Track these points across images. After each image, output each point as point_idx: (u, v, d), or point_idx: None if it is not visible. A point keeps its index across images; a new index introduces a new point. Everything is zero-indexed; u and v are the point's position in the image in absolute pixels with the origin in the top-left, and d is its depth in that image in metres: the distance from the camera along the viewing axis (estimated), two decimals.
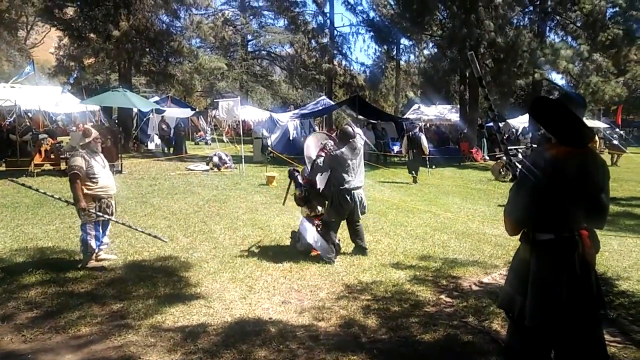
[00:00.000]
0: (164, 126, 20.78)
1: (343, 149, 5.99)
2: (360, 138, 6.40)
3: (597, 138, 19.41)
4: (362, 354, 3.64)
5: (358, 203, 6.09)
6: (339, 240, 6.34)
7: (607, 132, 24.61)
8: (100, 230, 5.61)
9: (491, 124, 29.62)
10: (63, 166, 13.20)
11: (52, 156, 13.67)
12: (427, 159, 14.92)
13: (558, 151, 2.60)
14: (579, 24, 20.66)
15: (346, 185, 5.94)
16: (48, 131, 15.92)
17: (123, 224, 5.94)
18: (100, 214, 5.49)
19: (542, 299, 2.60)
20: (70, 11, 22.06)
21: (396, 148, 20.43)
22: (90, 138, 5.61)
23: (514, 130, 26.03)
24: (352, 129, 6.26)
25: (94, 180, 5.49)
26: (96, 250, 5.62)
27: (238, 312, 4.42)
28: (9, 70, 33.01)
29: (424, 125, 25.64)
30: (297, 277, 5.41)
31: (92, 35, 21.01)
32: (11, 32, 37.12)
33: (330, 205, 6.07)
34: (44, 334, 3.92)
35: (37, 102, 16.43)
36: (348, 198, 5.98)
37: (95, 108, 20.75)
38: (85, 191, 5.43)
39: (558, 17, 21.77)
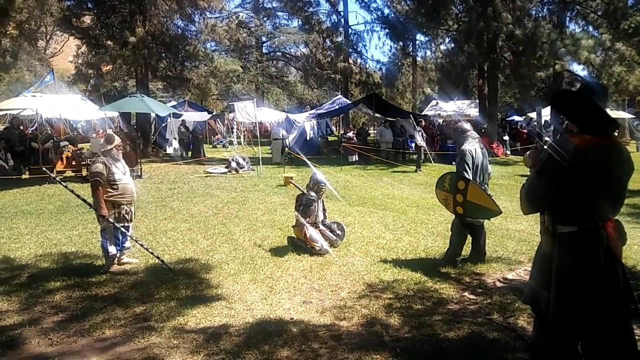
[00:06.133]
0: (183, 129, 20.99)
1: (470, 144, 5.59)
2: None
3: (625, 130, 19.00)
4: (385, 353, 3.59)
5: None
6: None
7: (635, 123, 24.00)
8: (120, 236, 5.66)
9: (512, 117, 29.22)
10: (84, 172, 13.42)
11: (74, 163, 13.92)
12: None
13: (581, 139, 2.55)
14: (599, 13, 20.14)
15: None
16: (69, 138, 16.21)
17: (136, 240, 5.80)
18: (117, 224, 5.50)
19: (566, 293, 2.54)
20: (87, 20, 22.43)
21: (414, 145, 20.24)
22: (112, 145, 5.64)
23: (535, 123, 25.59)
24: (467, 125, 5.93)
25: (115, 186, 5.54)
26: (117, 255, 5.68)
27: (259, 312, 4.42)
28: (30, 80, 33.77)
29: (443, 121, 25.44)
30: (318, 277, 5.39)
31: (109, 42, 21.32)
32: (31, 43, 38.04)
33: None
34: (69, 337, 3.97)
35: (57, 110, 16.74)
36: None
37: (114, 114, 21.06)
38: (105, 197, 5.48)
39: (578, 7, 21.26)
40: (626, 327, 2.59)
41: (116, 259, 5.69)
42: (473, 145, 5.60)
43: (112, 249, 5.57)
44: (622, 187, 2.65)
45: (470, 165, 5.48)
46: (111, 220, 5.49)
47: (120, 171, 5.66)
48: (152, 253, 5.70)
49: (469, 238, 5.92)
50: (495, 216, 5.55)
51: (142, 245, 5.76)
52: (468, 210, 5.46)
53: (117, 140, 5.75)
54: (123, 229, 5.60)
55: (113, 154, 5.66)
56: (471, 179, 5.40)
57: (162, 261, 5.65)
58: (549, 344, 2.68)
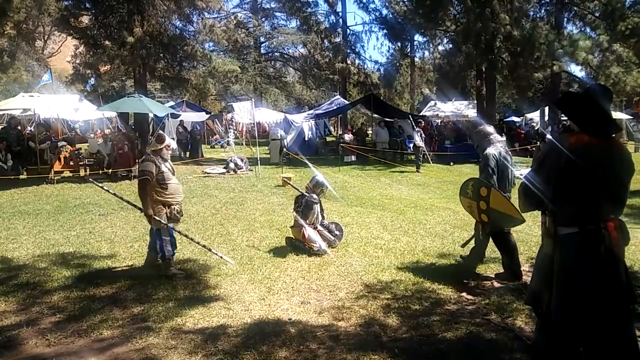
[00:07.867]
0: (181, 130, 20.96)
1: (495, 148, 5.25)
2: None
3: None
4: (383, 354, 3.59)
5: None
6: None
7: (632, 124, 24.02)
8: (174, 235, 5.56)
9: (510, 118, 29.23)
10: (82, 173, 13.42)
11: (71, 163, 13.89)
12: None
13: (578, 138, 2.57)
14: (597, 14, 20.20)
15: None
16: (67, 138, 16.19)
17: (191, 239, 5.92)
18: (169, 224, 5.44)
19: (568, 294, 2.54)
20: (85, 19, 22.37)
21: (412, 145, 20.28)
22: (162, 144, 5.51)
23: (533, 124, 25.64)
24: (490, 128, 5.57)
25: (164, 186, 5.41)
26: (175, 255, 5.56)
27: (257, 313, 4.42)
28: (28, 80, 33.69)
29: (440, 122, 25.46)
30: (316, 277, 5.39)
31: (107, 42, 21.26)
32: (29, 43, 37.96)
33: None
34: (67, 337, 3.96)
35: (55, 110, 16.71)
36: None
37: (112, 114, 21.01)
38: (156, 197, 5.37)
39: (576, 8, 21.32)
40: (628, 328, 2.59)
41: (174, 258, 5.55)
42: (497, 149, 5.28)
43: (169, 248, 5.40)
44: (623, 188, 2.64)
45: (495, 170, 5.13)
46: (164, 220, 5.37)
47: (169, 171, 5.53)
48: (210, 249, 5.89)
49: (471, 240, 5.90)
50: (518, 225, 5.13)
51: (198, 242, 5.92)
52: (492, 219, 5.07)
53: (168, 139, 5.65)
54: (170, 225, 5.47)
55: (163, 153, 5.52)
56: (495, 184, 5.06)
57: (221, 256, 5.83)
58: (550, 345, 2.68)
